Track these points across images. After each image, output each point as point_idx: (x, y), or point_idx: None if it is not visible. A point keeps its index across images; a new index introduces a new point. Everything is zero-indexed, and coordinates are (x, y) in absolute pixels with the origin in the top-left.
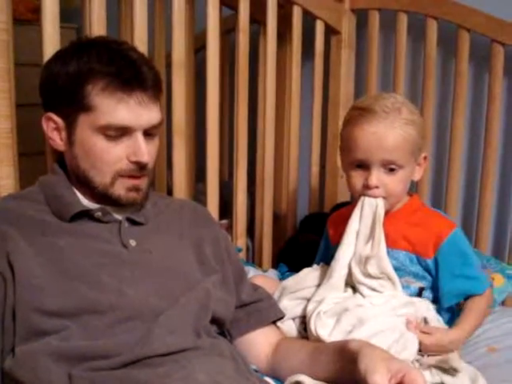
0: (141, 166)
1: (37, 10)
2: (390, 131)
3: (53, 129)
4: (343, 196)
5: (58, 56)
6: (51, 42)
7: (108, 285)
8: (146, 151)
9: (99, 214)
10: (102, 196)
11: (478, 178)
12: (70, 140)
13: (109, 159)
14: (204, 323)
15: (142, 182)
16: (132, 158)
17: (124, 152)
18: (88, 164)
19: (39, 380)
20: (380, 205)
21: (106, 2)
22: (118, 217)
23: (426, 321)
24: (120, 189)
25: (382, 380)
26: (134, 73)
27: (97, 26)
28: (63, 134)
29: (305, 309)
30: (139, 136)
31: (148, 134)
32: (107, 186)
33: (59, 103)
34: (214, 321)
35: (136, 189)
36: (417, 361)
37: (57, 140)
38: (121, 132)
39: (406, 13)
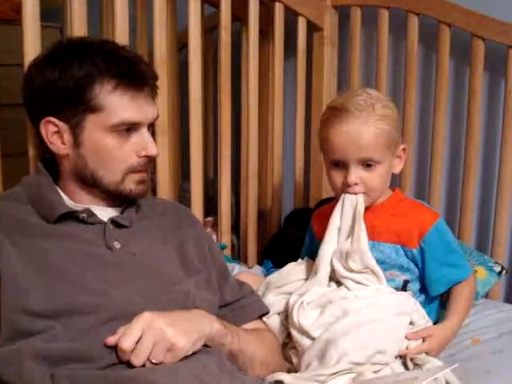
0: (149, 160)
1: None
2: (363, 129)
3: (53, 133)
4: (328, 191)
5: (50, 60)
6: (32, 41)
7: (92, 286)
8: (154, 145)
9: (84, 215)
10: (109, 194)
11: (460, 172)
12: (76, 142)
13: (120, 156)
14: None
15: (147, 175)
16: (142, 152)
17: (133, 148)
18: (98, 164)
19: (21, 380)
20: (360, 201)
21: (88, 0)
22: (103, 219)
23: (411, 323)
24: (130, 184)
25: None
26: (138, 71)
27: (78, 25)
28: (66, 136)
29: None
30: (145, 131)
31: (148, 128)
32: (118, 183)
33: (61, 106)
34: None
35: (143, 181)
36: (401, 357)
37: (57, 144)
38: (130, 129)
39: (388, 9)
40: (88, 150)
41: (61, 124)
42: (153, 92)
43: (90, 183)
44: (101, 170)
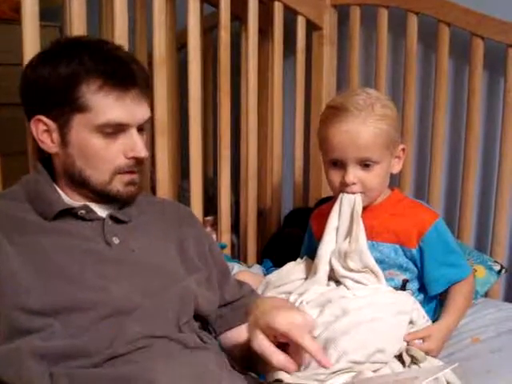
0: (138, 162)
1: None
2: (363, 129)
3: (43, 131)
4: (327, 191)
5: (43, 58)
6: (31, 41)
7: (91, 283)
8: (143, 146)
9: (82, 211)
10: (97, 194)
11: (459, 171)
12: (63, 141)
13: (107, 157)
14: (186, 319)
15: (138, 176)
16: (129, 154)
17: (121, 149)
18: (85, 163)
19: (20, 378)
20: (358, 201)
21: (87, 0)
22: (102, 215)
23: (411, 322)
24: (118, 185)
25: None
26: (127, 71)
27: (77, 24)
28: (55, 135)
29: None
30: (134, 132)
31: (139, 129)
32: (105, 184)
33: (50, 105)
34: (198, 317)
35: (133, 183)
36: (399, 356)
37: (47, 142)
38: (117, 129)
39: (387, 8)
40: (75, 150)
41: (50, 122)
42: (143, 93)
43: (79, 182)
44: (88, 169)
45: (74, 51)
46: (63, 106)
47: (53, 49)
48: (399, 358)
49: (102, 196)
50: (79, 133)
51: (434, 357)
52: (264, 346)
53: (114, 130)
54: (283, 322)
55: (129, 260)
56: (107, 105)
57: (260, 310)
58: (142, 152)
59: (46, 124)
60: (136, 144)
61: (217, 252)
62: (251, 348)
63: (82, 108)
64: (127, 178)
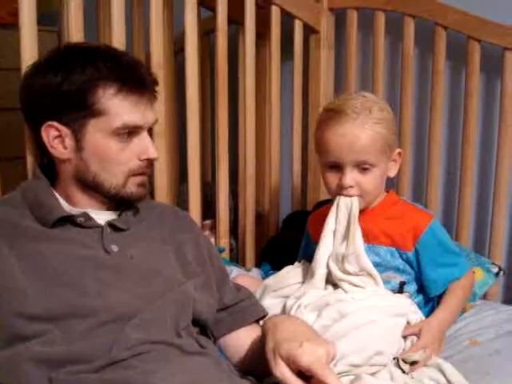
0: (150, 163)
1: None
2: (360, 132)
3: (54, 137)
4: (326, 193)
5: (51, 64)
6: (29, 46)
7: (90, 289)
8: (154, 148)
9: (81, 219)
10: (109, 197)
11: (457, 173)
12: (78, 146)
13: (122, 159)
14: (184, 324)
15: (147, 178)
16: (143, 156)
17: (134, 151)
18: (100, 167)
19: (19, 383)
20: (355, 204)
21: (84, 5)
22: (101, 222)
23: (409, 323)
24: (131, 186)
25: (283, 376)
26: (139, 75)
27: (74, 29)
28: (68, 141)
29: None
30: (146, 135)
31: (147, 130)
32: (119, 187)
33: (63, 111)
34: (196, 322)
35: (143, 184)
36: (400, 360)
37: (59, 148)
38: (132, 132)
39: (384, 11)
40: (90, 154)
41: (62, 128)
42: (153, 97)
43: (92, 187)
44: (103, 173)
45: (86, 57)
46: (78, 111)
47: (61, 55)
48: (398, 367)
49: (114, 199)
50: (94, 137)
51: (436, 355)
52: (287, 375)
53: (129, 132)
54: (306, 358)
55: (127, 266)
56: (124, 109)
57: (279, 335)
58: (154, 153)
59: (58, 130)
60: (148, 146)
61: (215, 256)
62: (257, 358)
63: (97, 112)
64: (139, 179)
